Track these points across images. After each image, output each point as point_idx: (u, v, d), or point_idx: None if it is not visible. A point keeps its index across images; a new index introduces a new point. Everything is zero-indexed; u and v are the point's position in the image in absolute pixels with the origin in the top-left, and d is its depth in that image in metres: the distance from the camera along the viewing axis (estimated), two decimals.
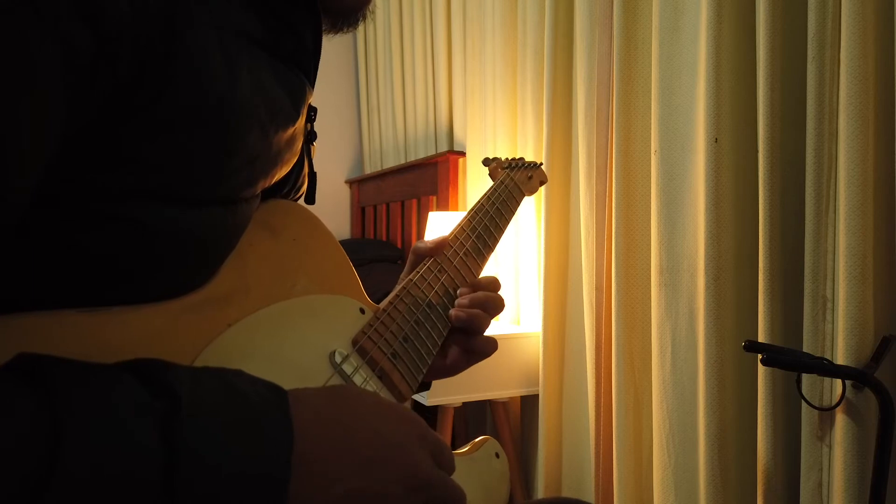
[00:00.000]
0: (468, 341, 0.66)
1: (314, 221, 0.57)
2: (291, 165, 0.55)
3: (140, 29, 0.37)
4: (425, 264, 0.66)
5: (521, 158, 0.91)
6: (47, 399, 0.29)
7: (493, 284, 0.69)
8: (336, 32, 0.61)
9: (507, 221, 0.78)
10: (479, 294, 0.66)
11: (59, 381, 0.30)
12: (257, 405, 0.34)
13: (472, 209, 0.75)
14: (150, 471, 0.29)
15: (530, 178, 0.88)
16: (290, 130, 0.51)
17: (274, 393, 0.35)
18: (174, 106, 0.39)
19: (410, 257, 0.70)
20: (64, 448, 0.28)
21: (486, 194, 0.78)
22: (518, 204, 0.82)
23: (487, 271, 0.75)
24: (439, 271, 0.66)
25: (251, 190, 0.47)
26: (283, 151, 0.51)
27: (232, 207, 0.45)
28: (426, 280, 0.64)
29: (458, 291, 0.66)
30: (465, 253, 0.69)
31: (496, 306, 0.67)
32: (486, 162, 0.89)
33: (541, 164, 0.93)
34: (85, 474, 0.28)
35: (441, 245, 0.68)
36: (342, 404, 0.40)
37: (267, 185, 0.51)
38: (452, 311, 0.64)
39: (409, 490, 0.39)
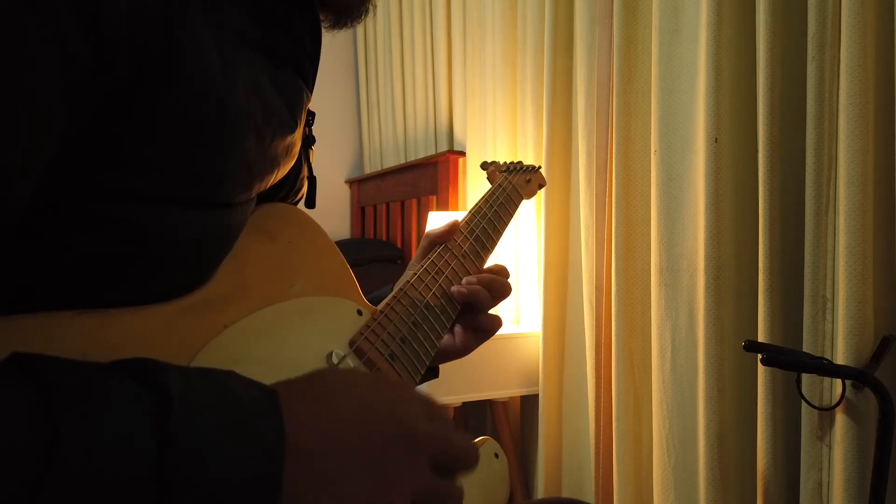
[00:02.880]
0: (473, 320, 0.68)
1: (311, 224, 0.57)
2: (288, 169, 0.55)
3: (139, 29, 0.37)
4: (422, 265, 0.66)
5: (520, 162, 0.91)
6: (45, 398, 0.29)
7: (502, 272, 0.71)
8: (339, 28, 0.61)
9: (506, 224, 0.78)
10: (485, 275, 0.68)
11: (57, 380, 0.30)
12: (249, 405, 0.34)
13: (469, 212, 0.75)
14: (146, 470, 0.29)
15: (529, 181, 0.88)
16: (287, 134, 0.51)
17: (265, 393, 0.35)
18: (173, 107, 0.40)
19: (423, 243, 0.71)
20: (62, 448, 0.28)
21: (484, 197, 0.79)
22: (516, 207, 0.82)
23: None
24: (437, 273, 0.66)
25: (247, 193, 0.47)
26: (279, 155, 0.51)
27: (228, 210, 0.46)
28: (423, 282, 0.64)
29: (465, 280, 0.68)
30: (462, 255, 0.69)
31: (502, 289, 0.68)
32: (485, 166, 0.89)
33: (539, 167, 0.93)
34: (83, 474, 0.28)
35: (453, 229, 0.70)
36: (322, 385, 0.39)
37: (263, 189, 0.51)
38: (454, 288, 0.65)
39: (408, 447, 0.38)
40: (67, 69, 0.34)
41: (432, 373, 0.72)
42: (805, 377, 1.00)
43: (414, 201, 2.48)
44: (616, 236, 1.38)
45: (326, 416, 0.36)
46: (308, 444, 0.34)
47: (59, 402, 0.29)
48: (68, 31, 0.33)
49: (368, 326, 0.56)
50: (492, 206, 0.77)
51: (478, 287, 0.66)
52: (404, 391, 0.40)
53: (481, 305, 0.67)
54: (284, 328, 0.49)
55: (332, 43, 0.69)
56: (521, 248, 1.85)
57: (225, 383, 0.35)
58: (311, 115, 0.60)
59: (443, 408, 0.43)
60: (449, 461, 0.40)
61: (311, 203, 0.63)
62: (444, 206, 2.19)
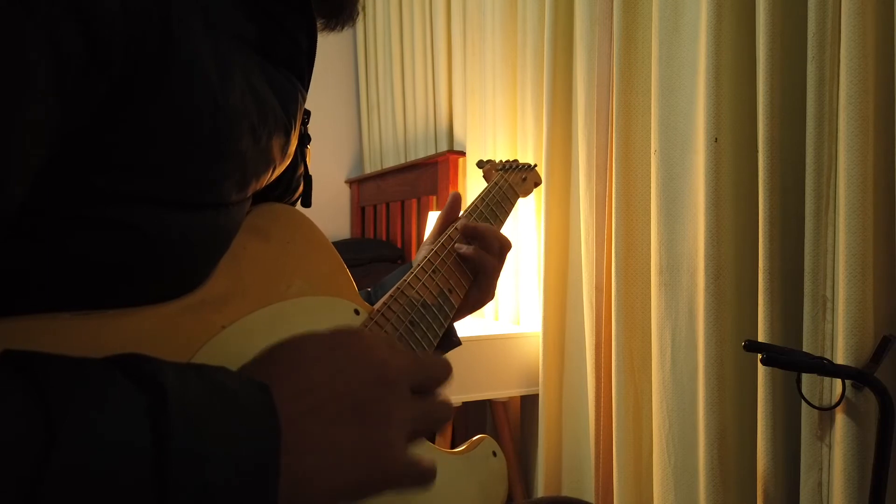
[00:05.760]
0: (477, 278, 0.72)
1: (308, 224, 0.57)
2: (283, 169, 0.55)
3: (133, 29, 0.37)
4: (419, 264, 0.66)
5: (516, 160, 0.91)
6: (42, 397, 0.29)
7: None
8: (330, 30, 0.61)
9: (502, 223, 0.78)
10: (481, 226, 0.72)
11: (54, 379, 0.30)
12: (246, 403, 0.34)
13: (466, 210, 0.76)
14: (144, 470, 0.29)
15: (524, 179, 0.88)
16: (283, 134, 0.51)
17: (259, 389, 0.35)
18: (168, 107, 0.39)
19: (435, 227, 0.77)
20: (60, 448, 0.28)
21: (480, 195, 0.79)
22: (512, 205, 0.82)
23: None
24: (433, 272, 0.66)
25: (242, 193, 0.47)
26: (275, 155, 0.50)
27: (223, 210, 0.45)
28: (420, 281, 0.64)
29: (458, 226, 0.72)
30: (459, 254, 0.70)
31: (502, 242, 0.73)
32: (481, 164, 0.89)
33: (535, 165, 0.93)
34: (80, 473, 0.28)
35: (455, 203, 0.78)
36: (281, 354, 0.39)
37: (258, 188, 0.51)
38: (463, 250, 0.70)
39: (384, 384, 0.39)
40: (63, 70, 0.34)
41: (455, 339, 0.73)
42: (805, 377, 1.00)
43: (414, 201, 2.48)
44: (616, 236, 1.38)
45: (292, 382, 0.37)
46: (284, 411, 0.35)
47: (56, 402, 0.29)
48: (63, 32, 0.33)
49: (365, 326, 0.56)
50: (488, 205, 0.77)
51: (482, 252, 0.71)
52: (362, 337, 0.42)
53: (488, 252, 0.71)
54: (282, 328, 0.49)
55: (332, 43, 0.69)
56: (521, 249, 1.85)
57: (220, 380, 0.35)
58: (307, 113, 0.60)
59: (399, 341, 0.44)
60: (426, 381, 0.43)
61: (307, 202, 0.63)
62: (444, 205, 2.18)
